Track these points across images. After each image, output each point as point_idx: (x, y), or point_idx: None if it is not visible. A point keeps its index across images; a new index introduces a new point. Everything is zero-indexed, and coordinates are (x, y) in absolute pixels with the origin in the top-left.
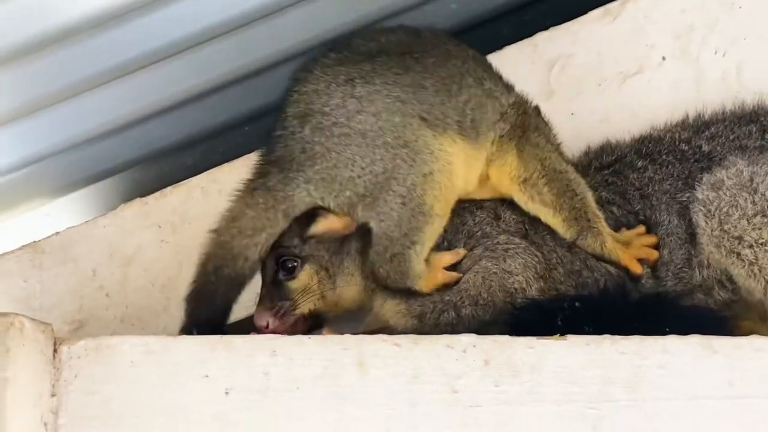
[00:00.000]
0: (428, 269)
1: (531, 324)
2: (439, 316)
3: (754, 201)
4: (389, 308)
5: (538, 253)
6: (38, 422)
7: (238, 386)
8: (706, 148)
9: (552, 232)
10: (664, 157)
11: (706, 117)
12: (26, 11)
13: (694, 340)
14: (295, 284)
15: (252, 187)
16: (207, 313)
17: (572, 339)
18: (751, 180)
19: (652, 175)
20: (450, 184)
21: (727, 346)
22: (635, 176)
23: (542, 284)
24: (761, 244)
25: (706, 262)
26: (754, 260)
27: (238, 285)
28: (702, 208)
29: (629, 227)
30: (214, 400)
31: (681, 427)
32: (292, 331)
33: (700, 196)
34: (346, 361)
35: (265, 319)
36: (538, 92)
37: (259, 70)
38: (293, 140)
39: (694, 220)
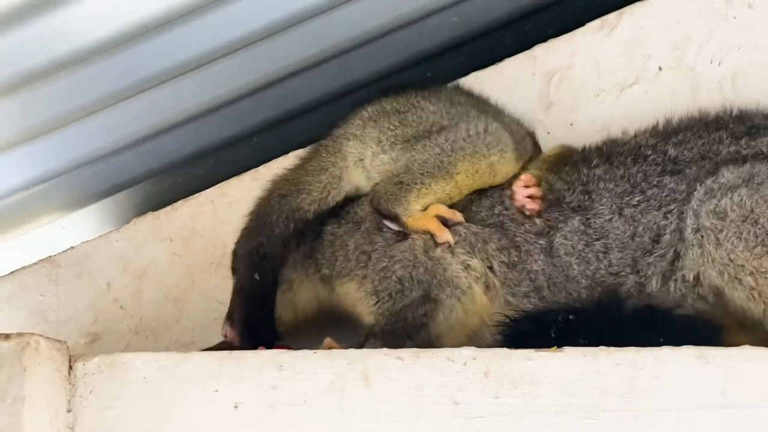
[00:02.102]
0: (424, 214)
1: (525, 337)
2: (393, 293)
3: (756, 234)
4: (350, 293)
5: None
6: None
7: (247, 400)
8: (672, 152)
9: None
10: (621, 158)
11: (675, 124)
12: (43, 37)
13: (688, 351)
14: None
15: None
16: (264, 243)
17: (569, 351)
18: (752, 210)
19: (600, 173)
20: (488, 176)
21: (720, 356)
22: (585, 171)
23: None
24: (762, 272)
25: (691, 278)
26: (754, 286)
27: (294, 219)
28: (710, 236)
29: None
30: (224, 414)
31: None
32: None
33: (706, 223)
34: (350, 375)
35: (224, 329)
36: (538, 103)
37: (265, 86)
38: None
39: (690, 240)
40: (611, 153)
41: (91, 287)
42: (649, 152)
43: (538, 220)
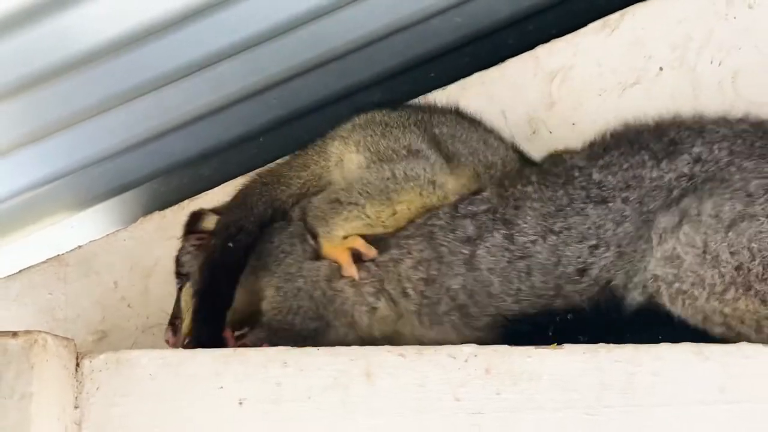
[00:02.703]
0: (341, 242)
1: (523, 336)
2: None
3: (721, 273)
4: (262, 285)
5: None
6: None
7: (251, 397)
8: (597, 176)
9: None
10: (552, 178)
11: (606, 142)
12: (50, 39)
13: (686, 348)
14: (182, 302)
15: None
16: (243, 218)
17: (569, 348)
18: (706, 245)
19: (530, 192)
20: (428, 204)
21: (719, 352)
22: (520, 187)
23: None
24: (737, 317)
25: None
26: (728, 330)
27: (273, 207)
28: (664, 288)
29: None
30: (229, 411)
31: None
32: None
33: (659, 273)
34: (354, 371)
35: (166, 336)
36: (540, 103)
37: (270, 87)
38: None
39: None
40: (549, 170)
41: (98, 286)
42: (577, 174)
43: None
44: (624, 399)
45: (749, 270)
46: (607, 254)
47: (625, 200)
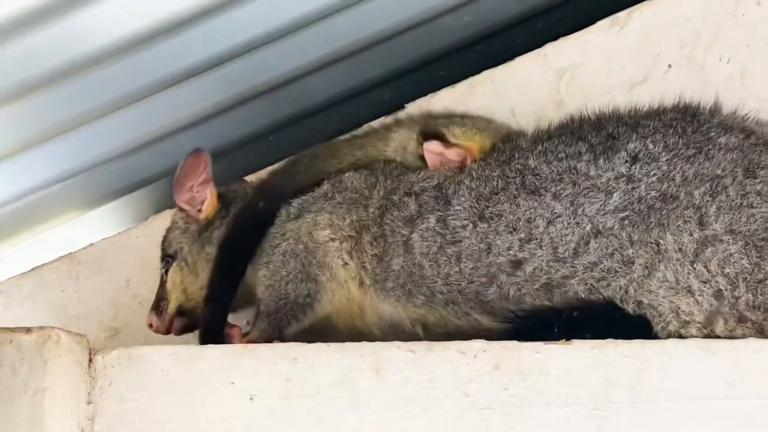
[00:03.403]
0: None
1: (529, 332)
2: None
3: (698, 302)
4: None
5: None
6: (76, 429)
7: (262, 392)
8: (533, 162)
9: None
10: (495, 155)
11: (553, 126)
12: (61, 39)
13: (694, 343)
14: (168, 284)
15: None
16: (282, 185)
17: (577, 344)
18: (677, 281)
19: (473, 168)
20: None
21: (726, 348)
22: (470, 163)
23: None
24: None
25: None
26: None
27: (314, 179)
28: (651, 317)
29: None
30: (240, 406)
31: (682, 427)
32: (171, 330)
33: (644, 300)
34: (363, 367)
35: (150, 319)
36: (548, 101)
37: (280, 85)
38: None
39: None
40: (497, 146)
41: (110, 283)
42: (517, 155)
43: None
44: (631, 395)
45: (737, 299)
46: (539, 253)
47: (556, 195)
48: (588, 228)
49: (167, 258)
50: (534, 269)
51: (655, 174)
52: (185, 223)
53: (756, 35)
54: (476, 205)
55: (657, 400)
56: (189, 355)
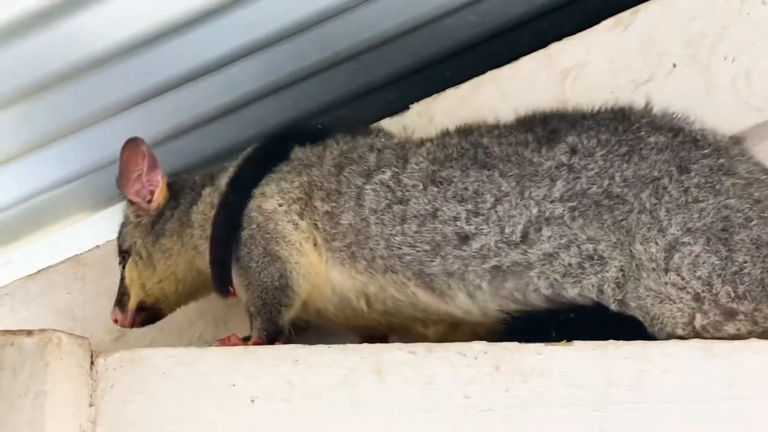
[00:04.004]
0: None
1: (525, 334)
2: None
3: (681, 309)
4: None
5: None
6: (77, 431)
7: (263, 394)
8: (486, 141)
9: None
10: (459, 128)
11: (505, 121)
12: (66, 40)
13: (695, 344)
14: (126, 280)
15: None
16: None
17: (578, 345)
18: (659, 291)
19: (437, 134)
20: None
21: (727, 349)
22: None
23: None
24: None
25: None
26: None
27: None
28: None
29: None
30: (241, 408)
31: (682, 429)
32: (134, 324)
33: (632, 304)
34: (364, 368)
35: (114, 314)
36: (553, 101)
37: (285, 87)
38: None
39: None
40: (465, 123)
41: (116, 285)
42: (474, 132)
43: None
44: (632, 396)
45: (716, 296)
46: (486, 229)
47: (503, 174)
48: (535, 211)
49: (123, 254)
50: (482, 246)
51: (593, 168)
52: (136, 216)
53: (761, 34)
54: (430, 167)
55: (658, 402)
56: (190, 358)
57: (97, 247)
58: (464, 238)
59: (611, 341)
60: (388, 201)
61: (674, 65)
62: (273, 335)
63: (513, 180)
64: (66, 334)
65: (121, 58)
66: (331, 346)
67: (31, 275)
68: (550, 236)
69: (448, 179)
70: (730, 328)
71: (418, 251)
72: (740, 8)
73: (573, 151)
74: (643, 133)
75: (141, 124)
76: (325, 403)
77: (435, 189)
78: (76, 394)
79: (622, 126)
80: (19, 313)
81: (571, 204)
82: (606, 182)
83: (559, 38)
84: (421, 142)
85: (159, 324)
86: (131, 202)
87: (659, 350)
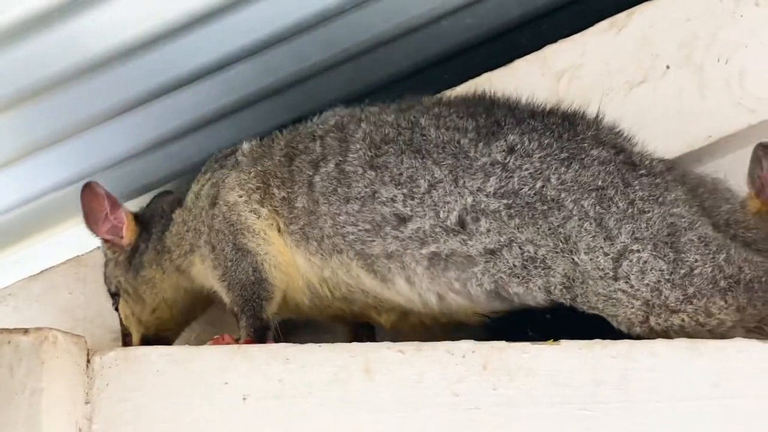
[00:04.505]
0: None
1: (501, 333)
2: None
3: (634, 312)
4: (199, 268)
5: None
6: (74, 428)
7: (255, 392)
8: (424, 122)
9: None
10: (401, 104)
11: (452, 97)
12: (65, 43)
13: (680, 343)
14: (123, 318)
15: None
16: None
17: (565, 344)
18: (608, 297)
19: (364, 126)
20: None
21: (712, 348)
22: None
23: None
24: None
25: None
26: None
27: None
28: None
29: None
30: (234, 406)
31: (669, 427)
32: None
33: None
34: (353, 367)
35: None
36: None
37: (284, 88)
38: None
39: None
40: (407, 99)
41: None
42: (413, 109)
43: None
44: (618, 395)
45: (665, 300)
46: (421, 212)
47: (437, 162)
48: (469, 200)
49: (113, 296)
50: (417, 229)
51: (527, 169)
52: (113, 254)
53: (754, 36)
54: (368, 153)
55: (644, 401)
56: (184, 356)
57: (98, 248)
58: (402, 220)
59: (597, 340)
60: (333, 186)
61: (668, 67)
62: (260, 331)
63: (446, 168)
64: (62, 333)
65: (120, 60)
66: (322, 345)
67: (33, 276)
68: (489, 230)
69: (384, 165)
70: (678, 320)
71: (359, 230)
72: (734, 10)
73: (511, 150)
74: (586, 144)
75: (142, 125)
76: (316, 401)
77: (373, 173)
78: (72, 392)
79: (568, 134)
80: (22, 312)
81: (505, 201)
82: (539, 184)
83: (556, 40)
84: (359, 122)
85: None
86: (106, 241)
87: (645, 349)
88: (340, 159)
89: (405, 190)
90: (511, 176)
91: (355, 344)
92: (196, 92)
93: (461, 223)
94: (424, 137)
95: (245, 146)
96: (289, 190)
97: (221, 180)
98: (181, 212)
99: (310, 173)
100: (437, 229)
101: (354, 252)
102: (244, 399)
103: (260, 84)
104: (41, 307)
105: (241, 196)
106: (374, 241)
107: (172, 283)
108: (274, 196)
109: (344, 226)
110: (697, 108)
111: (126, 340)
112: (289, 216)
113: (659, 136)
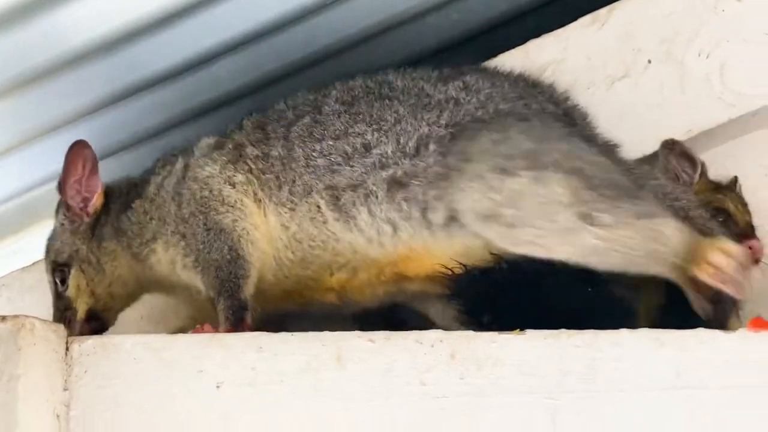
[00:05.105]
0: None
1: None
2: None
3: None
4: (161, 257)
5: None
6: (51, 414)
7: (228, 380)
8: (391, 77)
9: None
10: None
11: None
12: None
13: (644, 333)
14: (70, 292)
15: None
16: None
17: (531, 333)
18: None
19: (334, 93)
20: None
21: (675, 338)
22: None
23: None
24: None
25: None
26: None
27: None
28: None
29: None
30: (208, 393)
31: (634, 416)
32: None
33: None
34: (325, 356)
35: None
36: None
37: (267, 84)
38: None
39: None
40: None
41: None
42: (380, 71)
43: None
44: (584, 384)
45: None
46: (385, 140)
47: (401, 102)
48: (426, 130)
49: (61, 268)
50: (382, 153)
51: (474, 103)
52: (71, 223)
53: (735, 31)
54: (341, 107)
55: (609, 390)
56: (160, 344)
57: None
58: (367, 146)
59: (563, 330)
60: (309, 131)
61: (649, 61)
62: (239, 312)
63: (409, 107)
64: (40, 320)
65: (101, 54)
66: (294, 333)
67: (26, 267)
68: (434, 150)
69: (357, 112)
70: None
71: (330, 162)
72: (715, 5)
73: (465, 87)
74: (536, 96)
75: (124, 121)
76: (289, 389)
77: (347, 117)
78: (50, 379)
79: (523, 85)
80: (15, 303)
81: (452, 130)
82: (480, 113)
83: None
84: (330, 89)
85: (146, 315)
86: (67, 208)
87: (610, 339)
88: (314, 114)
89: (374, 126)
90: (460, 109)
91: (327, 333)
92: (179, 87)
93: (417, 149)
94: (392, 88)
95: (206, 139)
96: (264, 146)
97: (187, 165)
98: (142, 202)
99: (285, 130)
100: (398, 154)
101: (323, 186)
102: (218, 387)
103: (244, 79)
104: (34, 298)
105: (214, 169)
106: (343, 169)
107: (128, 262)
108: (248, 156)
109: (316, 159)
110: (677, 102)
111: (66, 316)
112: (262, 167)
113: (640, 131)
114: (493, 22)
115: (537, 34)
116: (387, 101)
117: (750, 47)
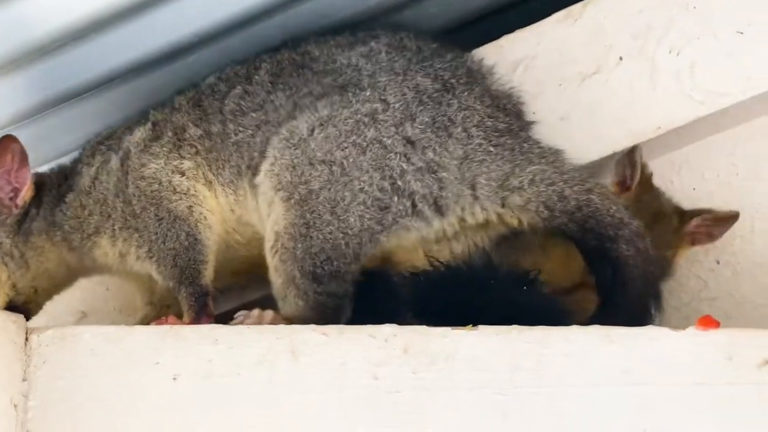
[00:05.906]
0: None
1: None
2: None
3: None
4: (107, 250)
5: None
6: (8, 404)
7: (185, 372)
8: (315, 51)
9: None
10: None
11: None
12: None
13: (594, 330)
14: None
15: None
16: None
17: (483, 329)
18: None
19: (266, 65)
20: None
21: (624, 335)
22: None
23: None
24: None
25: None
26: None
27: None
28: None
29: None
30: (165, 385)
31: (582, 412)
32: None
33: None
34: (279, 349)
35: None
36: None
37: None
38: None
39: None
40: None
41: None
42: (303, 42)
43: None
44: (534, 380)
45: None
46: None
47: (314, 71)
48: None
49: None
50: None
51: (367, 71)
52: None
53: (706, 28)
54: (269, 78)
55: (559, 385)
56: (118, 336)
57: None
58: (278, 109)
59: (514, 326)
60: (240, 105)
61: (621, 58)
62: (202, 298)
63: (320, 74)
64: None
65: (71, 44)
66: (250, 326)
67: None
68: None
69: (283, 83)
70: None
71: (251, 136)
72: (687, 2)
73: (367, 55)
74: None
75: (97, 112)
76: (244, 381)
77: (269, 86)
78: (8, 369)
79: (420, 57)
80: None
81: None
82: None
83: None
84: (259, 62)
85: (120, 307)
86: None
87: (560, 335)
88: (244, 84)
89: (288, 92)
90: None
91: (281, 326)
92: (150, 79)
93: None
94: (311, 58)
95: (138, 131)
96: (205, 123)
97: (125, 164)
98: (77, 196)
99: (219, 102)
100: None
101: (248, 157)
102: (175, 379)
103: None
104: None
105: (158, 164)
106: (256, 137)
107: (57, 257)
108: (192, 137)
109: (245, 130)
110: (647, 99)
111: None
112: (207, 146)
113: (609, 127)
114: (472, 16)
115: (518, 28)
116: (304, 71)
117: (720, 45)
